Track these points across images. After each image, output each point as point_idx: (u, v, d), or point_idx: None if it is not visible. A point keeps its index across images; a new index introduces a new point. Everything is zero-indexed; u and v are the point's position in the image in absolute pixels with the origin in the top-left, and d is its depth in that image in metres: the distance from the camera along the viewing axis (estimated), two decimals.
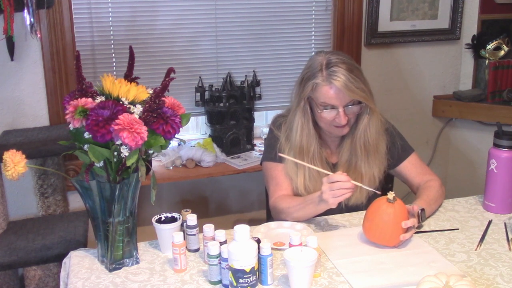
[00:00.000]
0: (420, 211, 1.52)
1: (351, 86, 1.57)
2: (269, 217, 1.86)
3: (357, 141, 1.69)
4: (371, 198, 1.70)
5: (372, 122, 1.68)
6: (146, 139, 1.20)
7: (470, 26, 2.91)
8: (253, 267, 1.21)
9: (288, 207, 1.62)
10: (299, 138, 1.68)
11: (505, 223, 1.59)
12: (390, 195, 1.44)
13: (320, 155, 1.71)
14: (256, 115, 2.68)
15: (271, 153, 1.75)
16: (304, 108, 1.66)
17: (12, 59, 2.20)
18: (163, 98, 1.28)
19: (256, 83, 2.62)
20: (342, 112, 1.60)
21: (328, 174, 1.51)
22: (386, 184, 1.88)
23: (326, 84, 1.59)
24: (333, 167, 1.73)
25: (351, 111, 1.63)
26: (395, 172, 1.82)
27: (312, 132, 1.68)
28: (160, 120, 1.25)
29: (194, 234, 1.43)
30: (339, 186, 1.46)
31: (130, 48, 1.37)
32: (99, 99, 1.25)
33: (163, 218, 1.45)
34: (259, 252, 1.24)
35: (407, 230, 1.44)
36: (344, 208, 1.70)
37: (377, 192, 1.57)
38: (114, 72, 2.43)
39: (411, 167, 1.78)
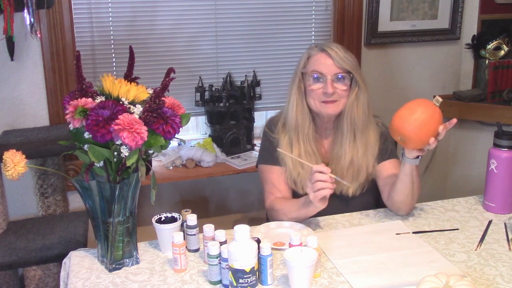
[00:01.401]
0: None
1: (343, 56, 1.65)
2: (269, 219, 1.86)
3: (344, 118, 1.70)
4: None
5: (360, 99, 1.69)
6: (146, 139, 1.20)
7: (470, 26, 2.91)
8: (253, 267, 1.21)
9: (283, 208, 1.63)
10: (294, 114, 1.70)
11: (505, 223, 1.59)
12: (439, 99, 1.46)
13: (314, 134, 1.73)
14: (256, 115, 2.68)
15: (266, 156, 1.78)
16: (298, 85, 1.70)
17: (12, 59, 2.20)
18: (163, 98, 1.28)
19: (256, 83, 2.62)
20: (330, 81, 1.63)
21: (309, 165, 1.55)
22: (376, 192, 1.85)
23: (318, 52, 1.67)
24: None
25: (339, 83, 1.65)
26: (374, 170, 1.78)
27: (306, 109, 1.71)
28: (160, 120, 1.25)
29: (194, 234, 1.43)
30: (316, 177, 1.45)
31: (130, 48, 1.38)
32: (99, 99, 1.25)
33: (163, 218, 1.45)
34: (259, 252, 1.25)
35: (436, 138, 1.47)
36: (350, 197, 1.72)
37: (347, 183, 1.61)
38: (114, 72, 2.43)
39: (391, 168, 1.73)
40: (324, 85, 1.64)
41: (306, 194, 1.58)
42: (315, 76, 1.65)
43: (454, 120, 1.50)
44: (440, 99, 1.48)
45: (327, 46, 1.67)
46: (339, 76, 1.65)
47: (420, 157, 1.55)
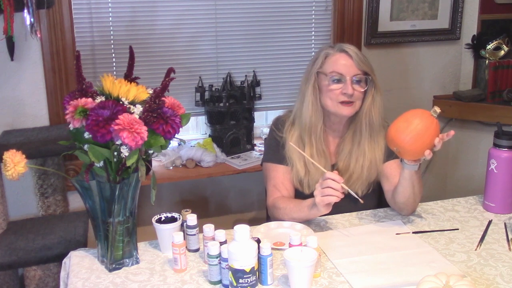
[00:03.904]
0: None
1: (362, 57, 1.66)
2: (269, 217, 1.86)
3: (362, 119, 1.71)
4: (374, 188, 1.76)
5: (376, 100, 1.70)
6: (146, 139, 1.20)
7: (470, 26, 2.91)
8: (253, 267, 1.21)
9: (285, 207, 1.64)
10: (309, 114, 1.70)
11: (505, 223, 1.59)
12: (437, 109, 1.44)
13: (325, 134, 1.74)
14: (256, 115, 2.68)
15: (271, 154, 1.77)
16: (314, 85, 1.69)
17: (12, 59, 2.20)
18: (163, 98, 1.28)
19: (256, 83, 2.62)
20: (349, 82, 1.63)
21: (322, 170, 1.55)
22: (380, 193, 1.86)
23: (337, 52, 1.66)
24: (332, 167, 1.74)
25: (358, 85, 1.66)
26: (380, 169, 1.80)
27: (319, 109, 1.71)
28: (160, 120, 1.25)
29: (194, 234, 1.43)
30: (328, 184, 1.46)
31: (130, 48, 1.38)
32: (99, 99, 1.25)
33: (163, 218, 1.45)
34: (259, 252, 1.25)
35: (431, 150, 1.46)
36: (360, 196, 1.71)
37: (361, 200, 1.55)
38: (114, 72, 2.43)
39: (396, 167, 1.74)
40: (343, 86, 1.64)
41: (310, 193, 1.58)
42: (335, 76, 1.65)
43: (452, 132, 1.48)
44: (438, 110, 1.45)
45: (346, 46, 1.66)
46: (358, 78, 1.65)
47: (419, 163, 1.54)
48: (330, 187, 1.46)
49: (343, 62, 1.64)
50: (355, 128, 1.74)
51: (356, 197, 1.55)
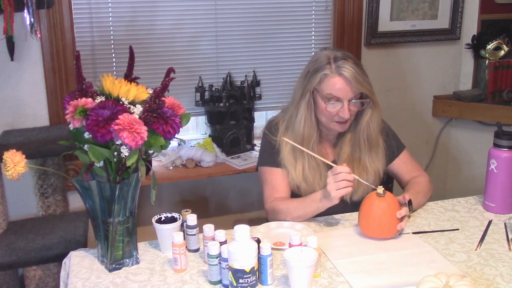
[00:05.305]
0: (407, 202, 1.56)
1: (360, 79, 1.61)
2: None
3: (360, 136, 1.71)
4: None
5: (374, 116, 1.70)
6: (146, 139, 1.20)
7: (470, 26, 2.91)
8: (253, 267, 1.21)
9: (287, 207, 1.63)
10: (302, 129, 1.69)
11: (505, 223, 1.59)
12: (380, 189, 1.48)
13: (319, 147, 1.73)
14: (256, 115, 2.68)
15: (266, 158, 1.77)
16: (309, 101, 1.67)
17: (12, 59, 2.20)
18: (163, 98, 1.28)
19: (256, 83, 2.62)
20: (347, 106, 1.62)
21: (329, 164, 1.56)
22: (386, 184, 1.89)
23: (335, 75, 1.61)
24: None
25: (354, 106, 1.65)
26: (388, 170, 1.84)
27: (314, 124, 1.70)
28: (160, 120, 1.25)
29: (194, 234, 1.43)
30: (343, 177, 1.49)
31: (130, 48, 1.38)
32: (99, 99, 1.25)
33: (163, 218, 1.45)
34: (259, 252, 1.25)
35: (401, 219, 1.49)
36: (350, 203, 1.71)
37: (373, 187, 1.58)
38: (114, 72, 2.43)
39: (402, 165, 1.82)
40: (340, 109, 1.63)
41: None
42: (332, 100, 1.62)
43: (407, 196, 1.55)
44: (381, 189, 1.49)
45: (344, 69, 1.60)
46: (355, 100, 1.64)
47: (410, 206, 1.56)
48: (345, 180, 1.48)
49: (341, 87, 1.61)
50: (351, 145, 1.73)
51: (369, 185, 1.58)
